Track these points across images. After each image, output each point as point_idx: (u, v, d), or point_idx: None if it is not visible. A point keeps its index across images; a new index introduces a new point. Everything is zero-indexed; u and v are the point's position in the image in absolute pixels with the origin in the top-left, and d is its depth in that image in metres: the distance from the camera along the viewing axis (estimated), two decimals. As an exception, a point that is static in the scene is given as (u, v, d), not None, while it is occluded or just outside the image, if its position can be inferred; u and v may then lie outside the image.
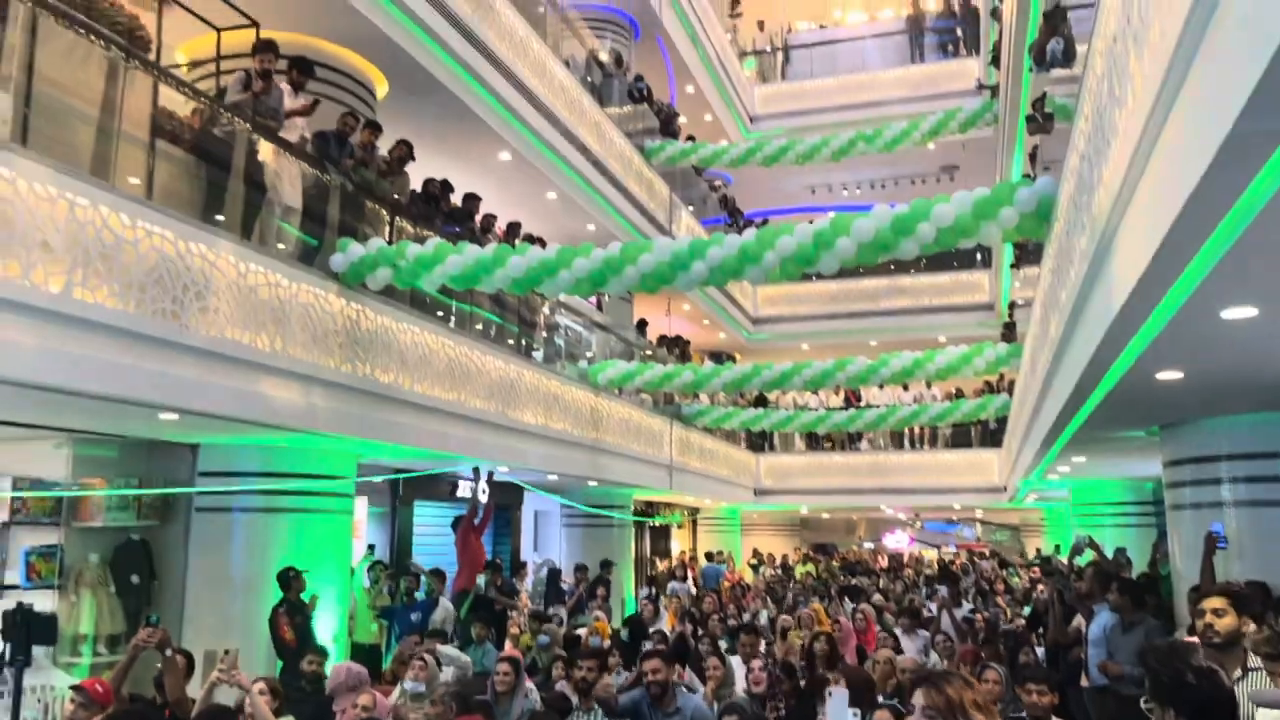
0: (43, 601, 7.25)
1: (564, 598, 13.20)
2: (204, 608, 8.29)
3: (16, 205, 5.15)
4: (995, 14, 14.04)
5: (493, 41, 11.19)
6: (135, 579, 8.14)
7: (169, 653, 5.51)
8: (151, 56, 7.02)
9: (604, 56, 16.58)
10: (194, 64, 9.49)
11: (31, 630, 5.62)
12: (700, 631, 10.15)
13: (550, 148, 12.91)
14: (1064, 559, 11.88)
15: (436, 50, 10.25)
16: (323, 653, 7.09)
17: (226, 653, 5.49)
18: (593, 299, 16.14)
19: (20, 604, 5.76)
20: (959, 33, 23.16)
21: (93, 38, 6.18)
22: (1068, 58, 7.42)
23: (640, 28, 18.21)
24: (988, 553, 25.18)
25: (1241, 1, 2.27)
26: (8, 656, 5.64)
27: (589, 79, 15.24)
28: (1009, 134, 13.70)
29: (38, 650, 7.06)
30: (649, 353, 16.33)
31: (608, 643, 8.93)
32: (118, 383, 5.87)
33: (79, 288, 5.52)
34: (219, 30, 8.60)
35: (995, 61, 14.54)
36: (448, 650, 7.67)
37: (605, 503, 15.74)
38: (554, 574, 14.00)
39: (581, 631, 10.00)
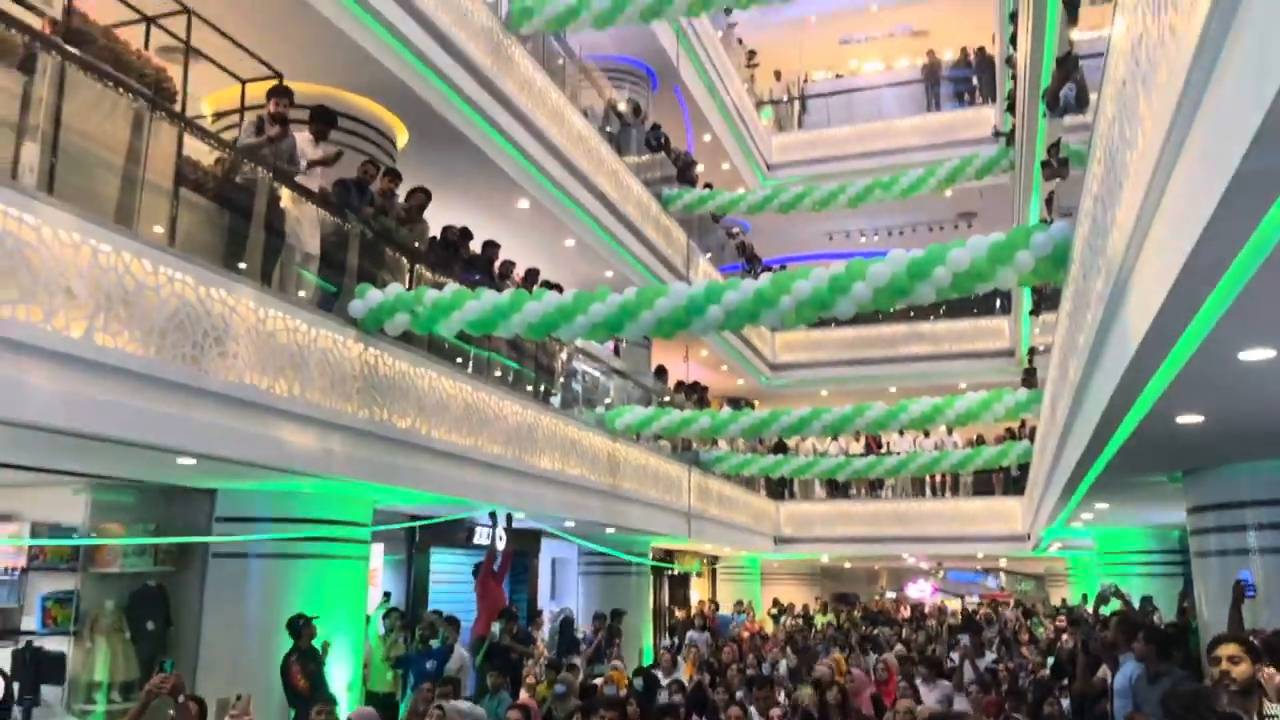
0: (58, 648, 7.25)
1: (578, 646, 13.06)
2: (219, 654, 8.25)
3: (41, 252, 5.24)
4: (1010, 62, 14.15)
5: (511, 91, 11.36)
6: (151, 625, 8.12)
7: (182, 699, 5.47)
8: (177, 107, 7.18)
9: (622, 106, 16.79)
10: (219, 115, 9.68)
11: (40, 670, 5.61)
12: (718, 681, 10.01)
13: (568, 196, 13.04)
14: (1089, 608, 11.68)
15: (456, 100, 10.42)
16: (332, 701, 7.02)
17: (239, 698, 5.46)
18: (610, 344, 16.17)
19: (29, 643, 5.76)
20: (974, 81, 23.35)
21: (119, 89, 6.32)
22: (1081, 103, 7.46)
23: (658, 78, 18.46)
24: (1012, 602, 24.77)
25: (1245, 41, 2.28)
26: (16, 695, 5.63)
27: (607, 128, 15.43)
28: (1025, 180, 13.73)
29: (51, 696, 7.07)
30: (667, 399, 16.31)
31: (624, 692, 8.82)
32: (137, 427, 5.92)
33: (100, 333, 5.58)
34: (244, 82, 8.79)
35: (1010, 109, 14.62)
36: (460, 705, 7.62)
37: (624, 550, 15.64)
38: (567, 622, 13.87)
39: (598, 681, 9.88)
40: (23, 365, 5.15)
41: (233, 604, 8.39)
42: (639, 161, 16.40)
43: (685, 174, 18.23)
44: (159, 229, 6.66)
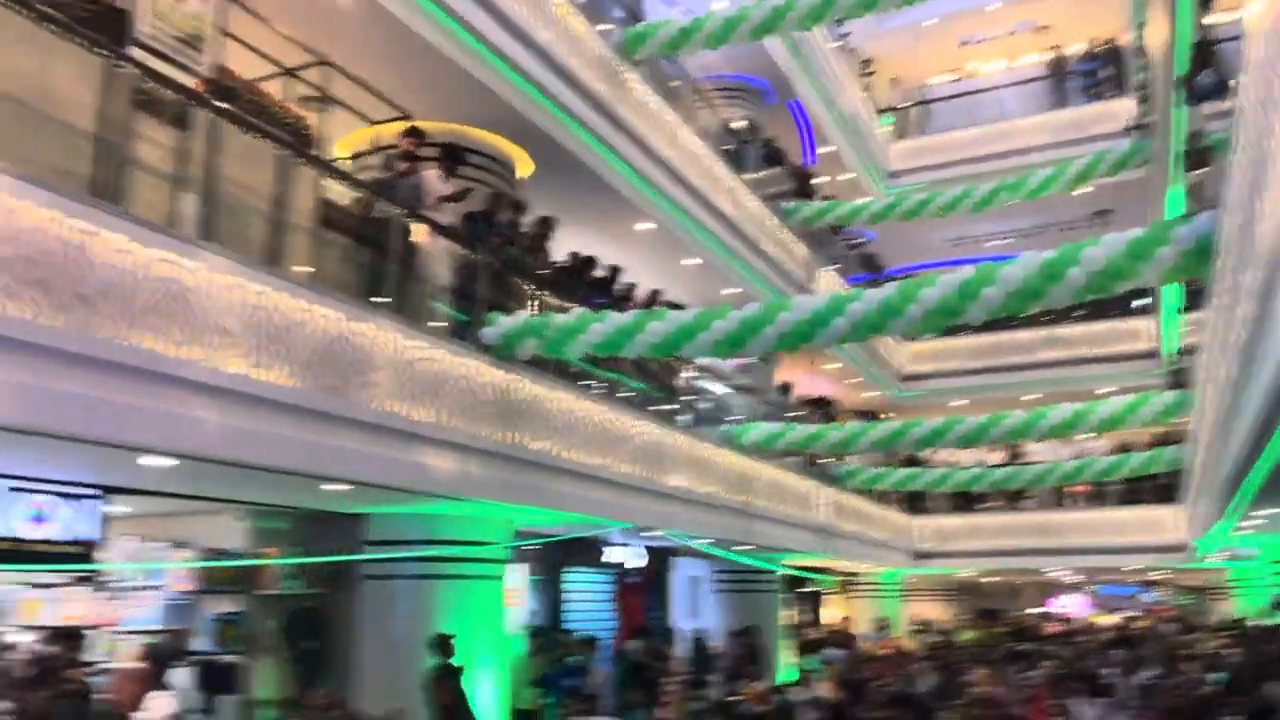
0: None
1: (712, 664, 13.03)
2: (372, 672, 8.58)
3: (201, 295, 5.63)
4: (1141, 52, 13.58)
5: (628, 116, 11.54)
6: (307, 644, 8.53)
7: (340, 715, 5.75)
8: (316, 152, 7.60)
9: (737, 123, 16.82)
10: (356, 155, 10.16)
11: (218, 680, 6.03)
12: (859, 699, 9.83)
13: (687, 215, 13.13)
14: (1258, 621, 10.99)
15: (575, 128, 10.65)
16: (475, 717, 7.21)
17: (393, 712, 5.69)
18: (735, 361, 16.14)
19: (207, 655, 6.18)
20: (1104, 74, 22.42)
21: (265, 139, 6.73)
22: (1220, 89, 7.12)
23: (773, 93, 18.42)
24: (1172, 616, 23.46)
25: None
26: (197, 706, 6.04)
27: (723, 146, 15.48)
28: (1163, 173, 13.12)
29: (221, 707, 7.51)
30: (794, 414, 16.18)
31: (761, 709, 8.77)
32: (290, 456, 6.28)
33: (256, 368, 5.95)
34: (374, 123, 9.22)
35: (1144, 100, 14.02)
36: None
37: (756, 567, 15.56)
38: (700, 641, 13.85)
39: (736, 699, 9.84)
40: (190, 401, 5.54)
41: (382, 624, 8.72)
42: (756, 177, 16.37)
43: (804, 187, 18.12)
44: (304, 267, 7.06)
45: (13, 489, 6.12)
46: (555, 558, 13.10)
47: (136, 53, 6.13)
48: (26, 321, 4.74)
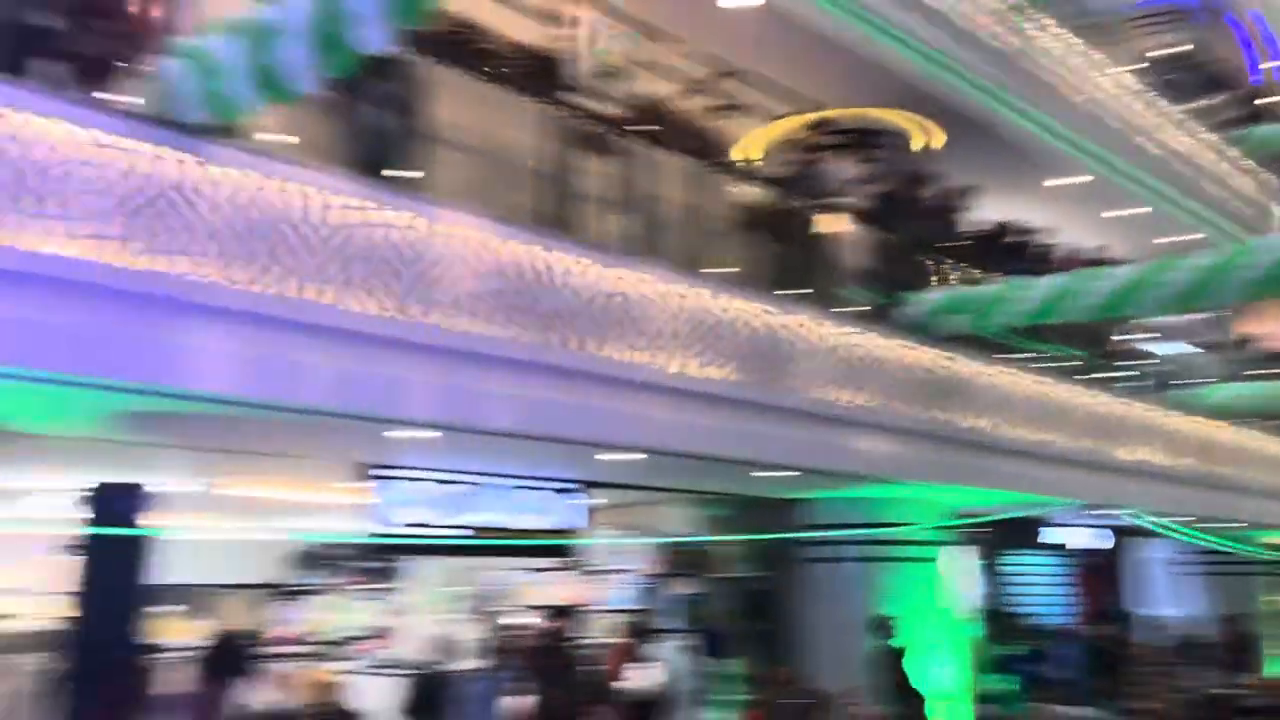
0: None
1: (1194, 653, 11.76)
2: (820, 651, 8.80)
3: (646, 302, 6.19)
4: None
5: (1038, 68, 10.75)
6: (759, 624, 8.99)
7: (800, 691, 6.02)
8: (728, 158, 8.00)
9: (1168, 50, 15.02)
10: (762, 155, 10.49)
11: (719, 646, 6.80)
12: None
13: (1116, 162, 11.94)
14: None
15: (982, 91, 10.12)
16: (920, 697, 7.16)
17: (848, 691, 5.85)
18: (1185, 317, 14.40)
19: (706, 625, 7.07)
20: None
21: (684, 154, 7.23)
22: None
23: (1206, 9, 16.17)
24: None
25: None
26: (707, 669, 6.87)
27: (1154, 78, 13.88)
28: None
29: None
30: (1261, 371, 14.09)
31: (1271, 703, 7.78)
32: (731, 445, 6.71)
33: (696, 366, 6.41)
34: (778, 119, 9.45)
35: None
36: (1071, 711, 7.36)
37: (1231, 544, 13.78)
38: (1179, 629, 12.53)
39: (1233, 691, 8.82)
40: (644, 400, 6.13)
41: (825, 605, 8.92)
42: (1196, 107, 14.47)
43: (1256, 109, 15.76)
44: (728, 268, 7.47)
45: (517, 487, 7.16)
46: (991, 540, 12.59)
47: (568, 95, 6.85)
48: (511, 341, 5.51)
